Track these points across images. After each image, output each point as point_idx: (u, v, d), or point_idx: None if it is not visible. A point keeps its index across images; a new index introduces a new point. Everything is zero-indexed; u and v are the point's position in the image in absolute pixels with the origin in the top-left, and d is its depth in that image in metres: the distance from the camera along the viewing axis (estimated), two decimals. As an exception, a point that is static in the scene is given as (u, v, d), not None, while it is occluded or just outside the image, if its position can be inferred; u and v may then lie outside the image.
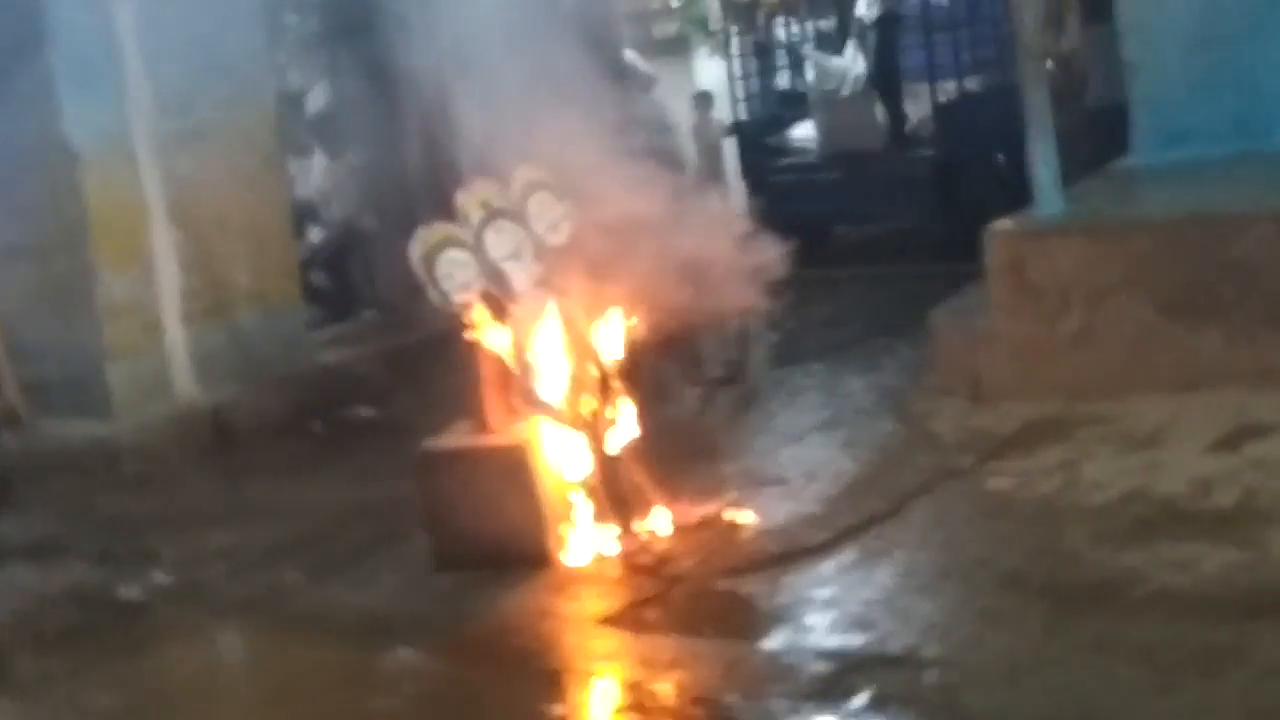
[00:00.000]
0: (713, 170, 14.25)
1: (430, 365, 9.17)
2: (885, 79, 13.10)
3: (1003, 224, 7.81)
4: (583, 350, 6.42)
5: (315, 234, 12.24)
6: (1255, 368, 6.99)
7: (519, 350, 6.35)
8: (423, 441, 6.53)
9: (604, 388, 6.42)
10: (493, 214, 6.44)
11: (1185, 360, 7.16)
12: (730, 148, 14.38)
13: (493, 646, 5.57)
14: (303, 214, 11.86)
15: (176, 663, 5.98)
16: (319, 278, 11.84)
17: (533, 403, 6.36)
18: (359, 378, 10.10)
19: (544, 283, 6.46)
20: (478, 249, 6.38)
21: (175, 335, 9.38)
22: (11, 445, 8.87)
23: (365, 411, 9.64)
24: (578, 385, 6.37)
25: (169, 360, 9.34)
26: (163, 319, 9.32)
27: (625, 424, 6.45)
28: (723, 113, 14.52)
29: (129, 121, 9.22)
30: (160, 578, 6.85)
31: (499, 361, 6.39)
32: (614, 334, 6.51)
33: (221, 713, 5.51)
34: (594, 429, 6.32)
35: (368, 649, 5.73)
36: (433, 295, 6.32)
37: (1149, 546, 5.52)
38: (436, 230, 6.37)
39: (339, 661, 5.73)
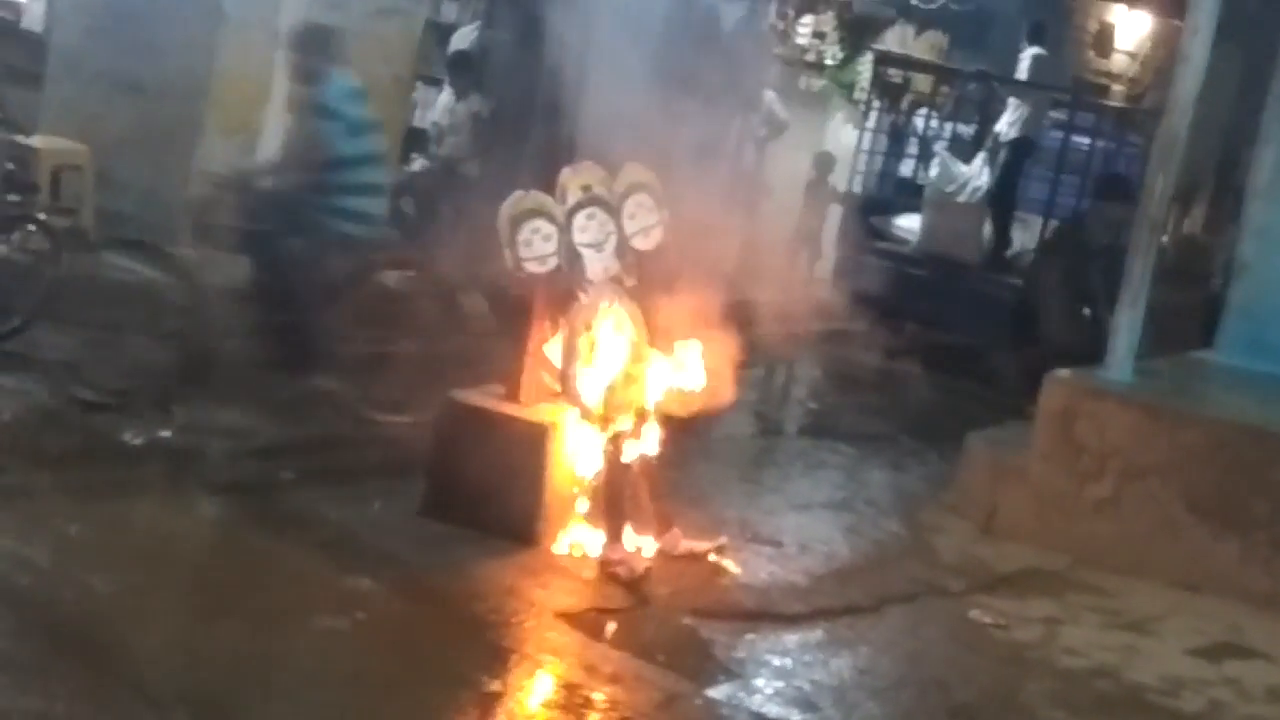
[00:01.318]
0: (812, 231, 14.27)
1: (485, 321, 9.25)
2: (1002, 199, 13.09)
3: (1066, 373, 7.79)
4: (632, 357, 6.44)
5: (418, 164, 12.32)
6: (1262, 589, 6.95)
7: (571, 336, 6.38)
8: (451, 390, 6.56)
9: (642, 401, 6.43)
10: (590, 199, 6.48)
11: (1197, 561, 7.13)
12: (836, 215, 14.39)
13: (451, 605, 5.59)
14: (413, 141, 11.96)
15: (149, 519, 6.02)
16: (407, 205, 11.91)
17: (567, 390, 6.39)
18: (413, 310, 10.13)
19: (617, 280, 6.49)
20: (565, 227, 6.42)
21: (259, 213, 9.44)
22: (76, 268, 8.96)
23: (405, 344, 9.67)
24: (615, 388, 6.38)
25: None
26: (259, 195, 9.38)
27: (646, 440, 6.46)
28: (839, 179, 14.53)
29: (278, 6, 9.31)
30: (166, 434, 6.91)
31: (548, 339, 6.42)
32: (668, 359, 6.50)
33: (173, 579, 5.56)
34: (615, 434, 6.34)
35: (333, 566, 5.76)
36: (507, 257, 6.36)
37: (1102, 725, 5.49)
38: (532, 197, 6.41)
39: (300, 569, 5.76)
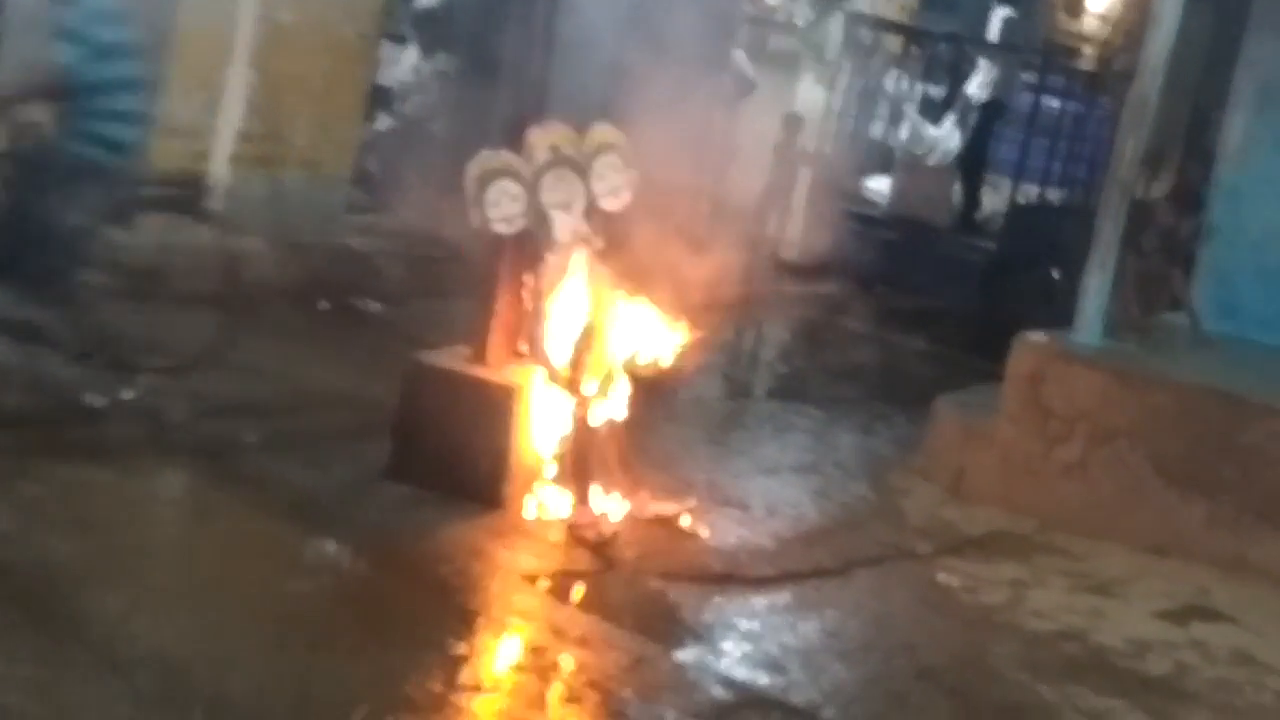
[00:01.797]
0: (781, 193, 14.25)
1: (451, 283, 9.22)
2: (972, 161, 13.11)
3: (1035, 336, 7.82)
4: (598, 318, 6.42)
5: (383, 122, 12.25)
6: (1229, 553, 7.00)
7: (538, 297, 6.36)
8: (416, 352, 6.54)
9: (609, 363, 6.42)
10: (558, 159, 6.45)
11: (1164, 524, 7.17)
12: (805, 176, 14.38)
13: (417, 567, 5.59)
14: (379, 99, 11.88)
15: (108, 482, 5.98)
16: (373, 164, 11.86)
17: (534, 351, 6.37)
18: (378, 271, 10.13)
19: (585, 241, 6.46)
20: (532, 188, 6.38)
21: (218, 172, 9.42)
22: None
23: (374, 305, 9.66)
24: (582, 350, 6.37)
25: (204, 195, 9.35)
26: (211, 152, 9.34)
27: (614, 402, 6.46)
28: (808, 141, 14.51)
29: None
30: (128, 395, 6.87)
31: (515, 300, 6.40)
32: (636, 321, 6.49)
33: (134, 543, 5.52)
34: (583, 396, 6.32)
35: (296, 531, 5.75)
36: (474, 216, 6.33)
37: (1068, 687, 5.53)
38: (499, 157, 6.37)
39: (264, 533, 5.74)
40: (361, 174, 11.23)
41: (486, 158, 6.33)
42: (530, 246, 6.39)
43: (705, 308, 6.78)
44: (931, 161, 13.19)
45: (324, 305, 9.34)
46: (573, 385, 6.33)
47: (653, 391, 6.74)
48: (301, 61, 9.62)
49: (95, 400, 6.71)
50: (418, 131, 11.99)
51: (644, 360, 6.49)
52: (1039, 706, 5.36)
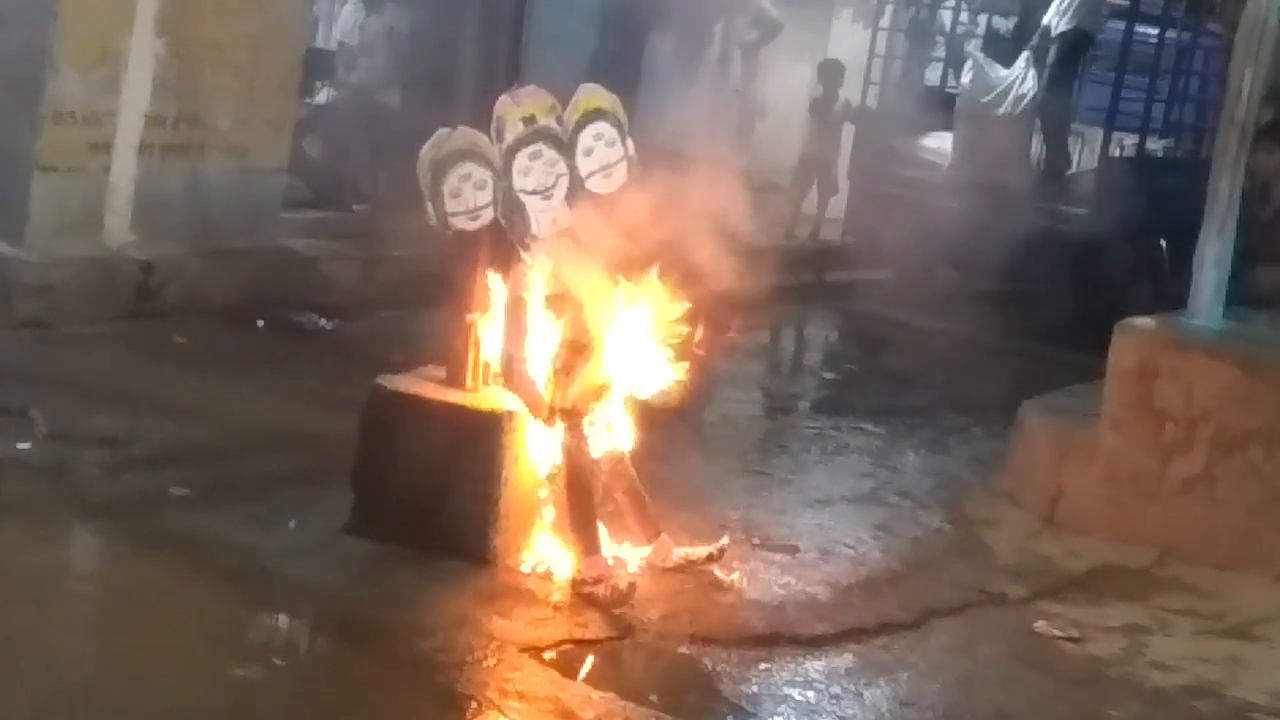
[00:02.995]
0: (821, 159, 14.28)
1: (416, 290, 9.26)
2: (1053, 109, 13.10)
3: (1141, 322, 7.82)
4: (590, 329, 6.40)
5: (323, 94, 12.29)
6: (1393, 581, 7.01)
7: (515, 308, 6.35)
8: (379, 376, 6.56)
9: (603, 381, 6.41)
10: (534, 134, 6.44)
11: (1312, 548, 7.18)
12: (849, 136, 14.40)
13: (391, 642, 5.59)
14: (316, 66, 11.93)
15: (9, 552, 6.00)
16: (313, 147, 11.90)
17: (511, 376, 6.36)
18: (327, 279, 10.17)
19: (570, 235, 6.45)
20: (503, 172, 6.38)
21: (124, 165, 9.44)
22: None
23: (321, 321, 9.70)
24: (571, 368, 6.36)
25: (106, 194, 9.41)
26: (115, 142, 9.37)
27: (616, 431, 6.46)
28: (851, 93, 14.53)
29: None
30: (24, 447, 6.89)
31: (487, 311, 6.41)
32: (637, 323, 6.49)
33: (45, 624, 5.53)
34: (576, 425, 6.33)
35: (243, 601, 5.76)
36: (430, 211, 6.33)
37: (1203, 756, 5.54)
38: (460, 135, 6.37)
39: (201, 608, 5.75)
40: (299, 160, 11.27)
41: (443, 138, 6.34)
42: (502, 245, 6.38)
43: (733, 306, 6.80)
44: (1001, 111, 13.16)
45: (261, 324, 9.37)
46: (563, 412, 6.32)
47: (668, 412, 6.74)
48: (219, 25, 9.64)
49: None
50: (366, 105, 12.03)
51: (647, 388, 6.47)
52: (1168, 781, 5.37)
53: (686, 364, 6.49)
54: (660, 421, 6.72)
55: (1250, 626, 6.73)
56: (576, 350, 6.34)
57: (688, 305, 6.47)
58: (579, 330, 6.35)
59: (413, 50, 11.76)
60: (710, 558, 6.56)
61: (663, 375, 6.48)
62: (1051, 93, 13.07)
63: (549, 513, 6.38)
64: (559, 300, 6.34)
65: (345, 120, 12.06)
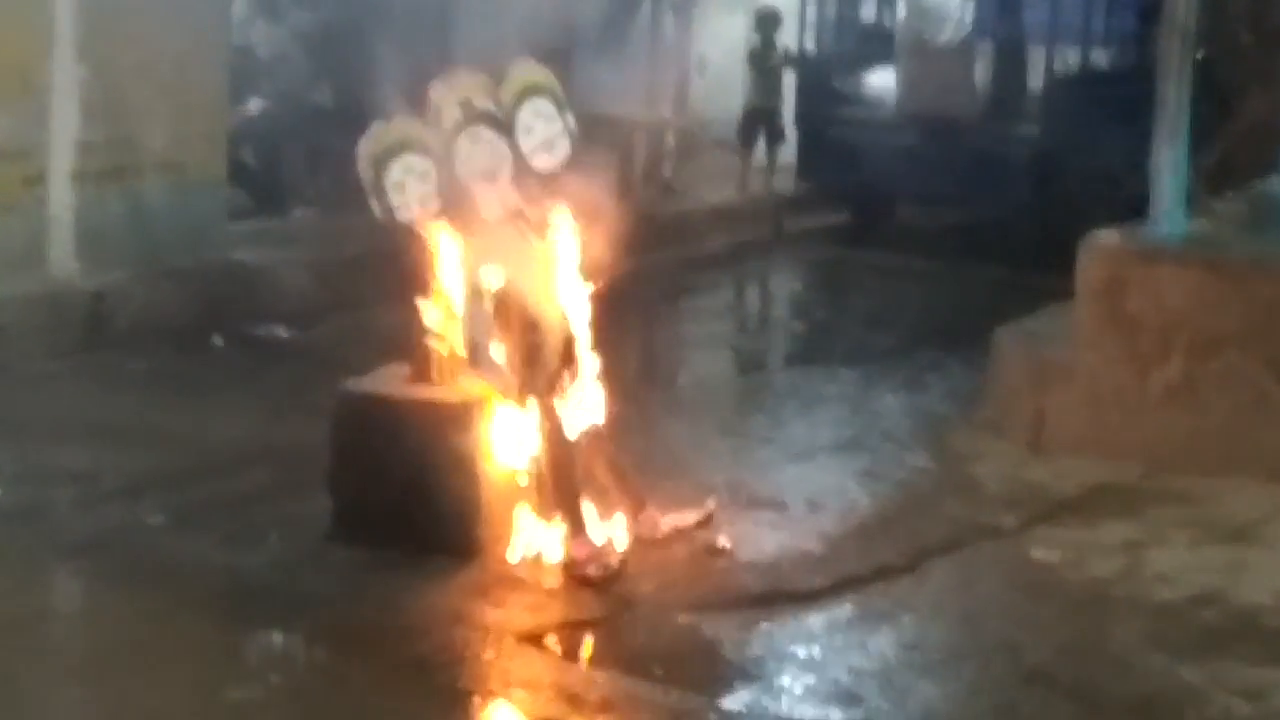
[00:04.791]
0: (767, 107, 14.27)
1: (371, 288, 9.25)
2: (1000, 29, 13.08)
3: (1106, 236, 7.84)
4: (550, 307, 6.40)
5: (254, 105, 12.23)
6: (1384, 467, 7.05)
7: (472, 294, 6.35)
8: (344, 380, 6.55)
9: (569, 357, 6.42)
10: (472, 117, 6.43)
11: (1301, 443, 7.22)
12: (790, 84, 14.40)
13: (387, 646, 5.59)
14: (245, 75, 11.88)
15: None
16: (248, 156, 11.86)
17: (477, 363, 6.36)
18: (280, 288, 10.13)
19: (519, 215, 6.45)
20: (444, 159, 6.37)
21: (61, 196, 9.40)
22: None
23: (280, 331, 9.68)
24: (536, 349, 6.35)
25: (47, 226, 9.37)
26: (48, 173, 9.33)
27: (590, 404, 6.47)
28: (789, 40, 14.53)
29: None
30: (-7, 492, 6.89)
31: (445, 301, 6.40)
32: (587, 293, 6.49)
33: (37, 676, 5.53)
34: (549, 406, 6.33)
35: (233, 623, 5.76)
36: (375, 206, 6.32)
37: (1214, 663, 5.56)
38: (396, 127, 6.35)
39: (196, 632, 5.75)
40: (239, 171, 11.23)
41: (380, 132, 6.32)
42: (455, 230, 6.37)
43: (692, 267, 6.81)
44: (942, 40, 13.17)
45: (218, 341, 9.35)
46: (530, 395, 6.31)
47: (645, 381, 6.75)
48: (142, 45, 9.58)
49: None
50: (298, 108, 11.98)
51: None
52: (1181, 693, 5.38)
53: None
54: (633, 392, 6.72)
55: (1246, 529, 6.77)
56: (537, 330, 6.34)
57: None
58: (537, 310, 6.34)
59: (328, 48, 11.69)
60: (699, 524, 6.57)
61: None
62: (998, 13, 13.08)
63: (532, 498, 6.38)
64: (515, 282, 6.33)
65: (278, 127, 12.00)
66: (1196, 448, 7.33)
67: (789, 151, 14.19)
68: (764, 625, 5.83)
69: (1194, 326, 7.41)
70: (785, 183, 14.22)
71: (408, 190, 6.31)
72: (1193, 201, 7.99)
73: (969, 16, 13.05)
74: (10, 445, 7.37)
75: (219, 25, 10.43)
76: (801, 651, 5.66)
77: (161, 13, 9.69)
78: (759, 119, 14.28)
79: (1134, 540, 6.65)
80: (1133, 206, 8.16)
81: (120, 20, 9.50)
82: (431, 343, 6.37)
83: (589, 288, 6.45)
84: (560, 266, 6.43)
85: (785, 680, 5.45)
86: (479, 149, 6.42)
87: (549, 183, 6.51)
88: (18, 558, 6.29)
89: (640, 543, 6.40)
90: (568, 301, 6.44)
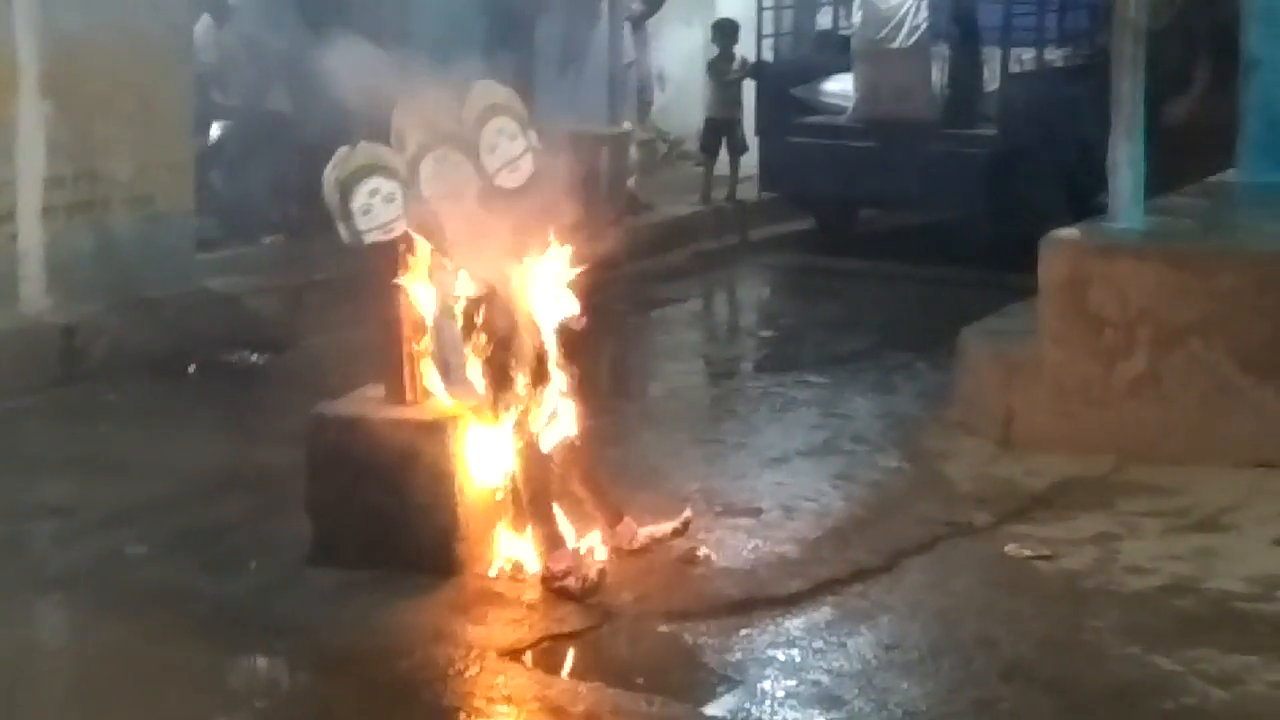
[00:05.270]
0: (727, 117, 14.28)
1: (343, 312, 9.22)
2: (960, 34, 13.11)
3: (1066, 233, 7.87)
4: (519, 323, 6.39)
5: (216, 128, 12.18)
6: (1349, 450, 7.08)
7: (442, 314, 6.35)
8: (319, 404, 6.54)
9: (539, 371, 6.41)
10: (436, 139, 6.43)
11: (1266, 430, 7.25)
12: (749, 94, 14.41)
13: (370, 667, 5.58)
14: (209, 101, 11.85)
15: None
16: (216, 179, 11.82)
17: (451, 382, 6.36)
18: (252, 314, 10.11)
19: (486, 233, 6.44)
20: (410, 181, 6.36)
21: (30, 232, 9.38)
22: None
23: (253, 357, 9.66)
24: (506, 365, 6.34)
25: (17, 262, 9.35)
26: (16, 209, 9.30)
27: (561, 417, 6.46)
28: (746, 49, 14.54)
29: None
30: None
31: (417, 323, 6.39)
32: (561, 308, 6.48)
33: (23, 710, 5.50)
34: (522, 421, 6.32)
35: (217, 650, 5.73)
36: (342, 231, 6.32)
37: (1189, 651, 5.58)
38: (360, 151, 6.35)
39: (180, 660, 5.72)
40: (208, 199, 11.21)
41: (344, 156, 6.31)
42: (423, 252, 6.37)
43: (659, 278, 6.83)
44: (896, 45, 13.18)
45: (192, 369, 9.32)
46: (501, 410, 6.30)
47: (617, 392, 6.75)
48: (104, 77, 9.56)
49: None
50: (259, 121, 11.91)
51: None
52: (1158, 681, 5.40)
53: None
54: (606, 404, 6.72)
55: (1216, 517, 6.80)
56: (508, 347, 6.33)
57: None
58: (507, 327, 6.34)
59: (278, 53, 11.62)
60: (675, 533, 6.57)
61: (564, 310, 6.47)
62: (953, 18, 13.11)
63: (508, 513, 6.37)
64: (483, 300, 6.32)
65: (242, 145, 11.94)
66: (1164, 438, 7.36)
67: (751, 160, 14.20)
68: (744, 631, 5.84)
69: (1156, 319, 7.44)
70: (749, 191, 14.24)
71: (374, 213, 6.29)
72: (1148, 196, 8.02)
73: (923, 19, 13.06)
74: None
75: (181, 55, 10.40)
76: (782, 655, 5.66)
77: (123, 45, 9.67)
78: (720, 129, 14.28)
79: (1106, 532, 6.68)
80: (1091, 203, 8.20)
81: (82, 54, 9.47)
82: (404, 365, 6.36)
83: (561, 303, 6.45)
84: (529, 282, 6.43)
85: (767, 685, 5.45)
86: (444, 170, 6.42)
87: (515, 200, 6.51)
88: (-1, 592, 6.28)
89: (618, 554, 6.40)
90: (538, 316, 6.44)
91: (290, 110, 11.69)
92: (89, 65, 9.51)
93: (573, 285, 6.46)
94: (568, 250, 6.41)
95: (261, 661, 5.66)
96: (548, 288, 6.44)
